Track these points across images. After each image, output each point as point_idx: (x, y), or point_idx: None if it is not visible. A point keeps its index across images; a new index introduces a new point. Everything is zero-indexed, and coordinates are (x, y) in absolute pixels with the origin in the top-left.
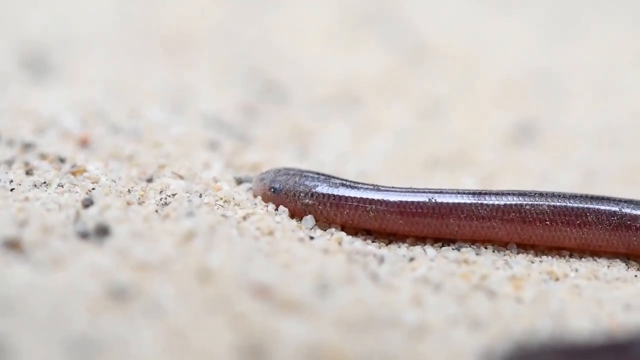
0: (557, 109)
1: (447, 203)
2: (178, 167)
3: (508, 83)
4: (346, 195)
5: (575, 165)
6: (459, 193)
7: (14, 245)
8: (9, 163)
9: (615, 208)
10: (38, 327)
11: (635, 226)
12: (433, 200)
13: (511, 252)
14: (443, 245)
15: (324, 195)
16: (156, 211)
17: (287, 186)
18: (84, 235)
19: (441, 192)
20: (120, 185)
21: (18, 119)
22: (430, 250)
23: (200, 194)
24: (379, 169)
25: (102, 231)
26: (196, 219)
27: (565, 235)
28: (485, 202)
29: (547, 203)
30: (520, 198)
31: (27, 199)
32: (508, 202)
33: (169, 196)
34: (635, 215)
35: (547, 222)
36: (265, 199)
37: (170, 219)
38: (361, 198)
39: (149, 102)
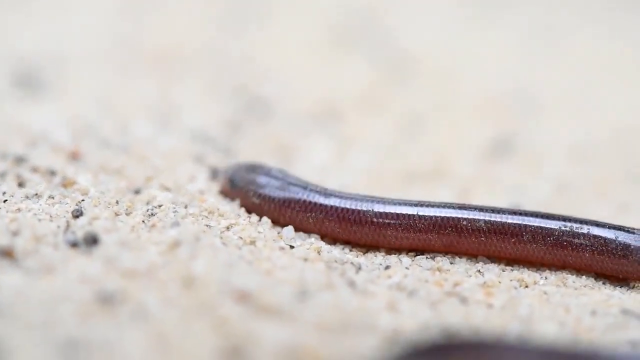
0: (534, 124)
1: (386, 213)
2: (165, 180)
3: (487, 98)
4: (289, 199)
5: (549, 179)
6: (398, 204)
7: (6, 253)
8: (2, 176)
9: (553, 226)
10: (30, 329)
11: (572, 246)
12: (372, 211)
13: (484, 262)
14: (417, 255)
15: (269, 197)
16: (143, 221)
17: (242, 183)
18: (74, 244)
19: (382, 202)
20: (109, 196)
21: (10, 134)
22: (405, 259)
23: (186, 205)
24: (359, 183)
25: (91, 240)
26: (181, 228)
27: (500, 250)
28: (423, 213)
29: (484, 219)
30: (459, 212)
31: (19, 209)
32: (445, 216)
33: (156, 207)
34: (573, 234)
35: (483, 238)
36: (225, 192)
37: (157, 228)
38: (302, 204)
39: (138, 117)
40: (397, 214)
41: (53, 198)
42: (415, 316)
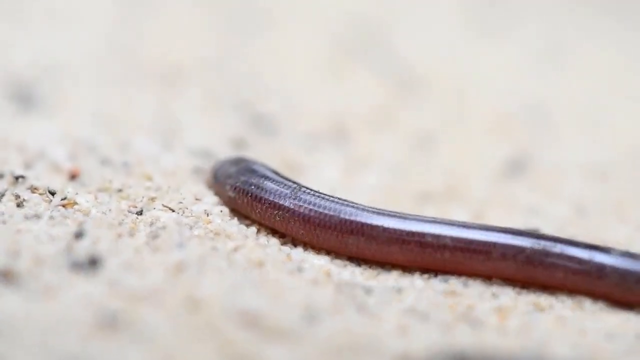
0: (548, 142)
1: (350, 220)
2: (168, 200)
3: (499, 116)
4: (259, 196)
5: (565, 200)
6: (370, 212)
7: (6, 275)
8: (0, 196)
9: (524, 244)
10: (29, 351)
11: (543, 265)
12: (339, 216)
13: (498, 284)
14: (431, 277)
15: (242, 190)
16: (147, 243)
17: (222, 176)
18: (75, 267)
19: (353, 207)
20: (110, 217)
21: (7, 152)
22: (418, 281)
23: (191, 227)
24: (369, 202)
25: (94, 262)
26: (186, 250)
27: (467, 267)
28: (387, 226)
29: (450, 235)
30: (424, 226)
31: (19, 231)
32: (410, 230)
33: (160, 228)
34: (546, 253)
35: (448, 254)
36: (209, 185)
37: (161, 250)
38: (271, 202)
39: (138, 134)
40: (362, 223)
41: (53, 219)
42: (427, 340)
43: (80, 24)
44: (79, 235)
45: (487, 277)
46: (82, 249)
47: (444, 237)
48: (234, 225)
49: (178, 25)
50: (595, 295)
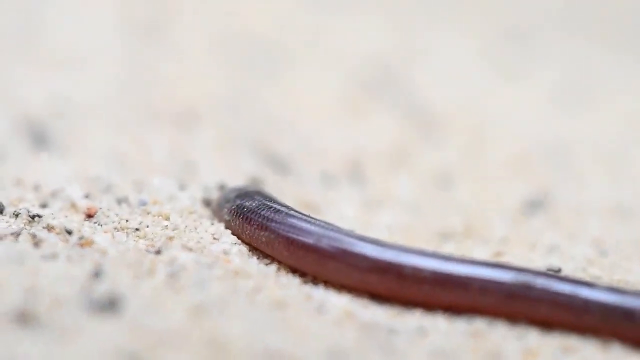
0: (568, 182)
1: (330, 246)
2: (186, 240)
3: (518, 154)
4: (250, 217)
5: (586, 239)
6: (353, 238)
7: (24, 318)
8: (16, 235)
9: (506, 277)
10: None
11: (528, 300)
12: (320, 242)
13: (524, 325)
14: (455, 317)
15: (235, 213)
16: (166, 283)
17: (223, 202)
18: (94, 308)
19: (337, 232)
20: (129, 257)
21: (22, 190)
22: (441, 322)
23: (210, 266)
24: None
25: (113, 303)
26: (207, 291)
27: (447, 301)
28: (366, 254)
29: (429, 269)
30: (404, 257)
31: (36, 271)
32: (389, 260)
33: (179, 268)
34: (529, 287)
35: (427, 287)
36: (215, 213)
37: (181, 291)
38: (259, 224)
39: (154, 174)
40: (343, 250)
41: (71, 259)
42: None
43: (94, 64)
44: (97, 275)
45: (473, 312)
46: (101, 289)
47: (423, 269)
48: (254, 265)
49: (192, 64)
50: (581, 330)
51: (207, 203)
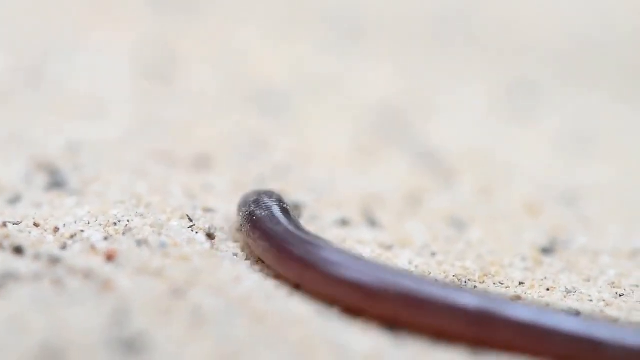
0: (580, 226)
1: (314, 260)
2: (209, 282)
3: (528, 199)
4: (254, 227)
5: (603, 283)
6: (339, 253)
7: None
8: (38, 278)
9: (472, 302)
10: None
11: (491, 326)
12: (307, 256)
13: None
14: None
15: (246, 223)
16: (191, 327)
17: (241, 205)
18: (120, 353)
19: (323, 249)
20: (151, 299)
21: (42, 233)
22: None
23: (235, 310)
24: None
25: (139, 348)
26: (234, 336)
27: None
28: (329, 270)
29: (395, 287)
30: (373, 272)
31: (59, 315)
32: (358, 276)
33: (203, 312)
34: (492, 314)
35: (391, 309)
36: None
37: (208, 336)
38: (260, 233)
39: (172, 216)
40: (319, 258)
41: (93, 302)
42: None
43: (109, 110)
44: (121, 320)
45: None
46: (126, 334)
47: (389, 287)
48: (277, 305)
49: (205, 110)
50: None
51: (211, 237)
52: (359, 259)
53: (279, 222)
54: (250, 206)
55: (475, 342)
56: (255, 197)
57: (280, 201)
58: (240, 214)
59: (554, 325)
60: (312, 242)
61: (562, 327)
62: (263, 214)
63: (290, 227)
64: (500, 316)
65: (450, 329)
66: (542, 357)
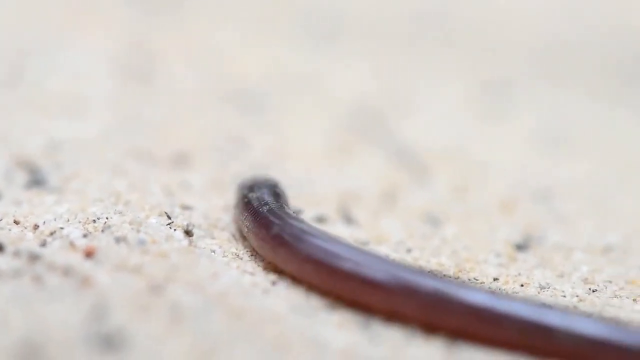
0: (554, 223)
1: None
2: (187, 279)
3: (503, 196)
4: (247, 215)
5: (577, 279)
6: (325, 240)
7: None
8: (18, 274)
9: (434, 286)
10: None
11: (444, 309)
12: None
13: None
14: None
15: (238, 202)
16: (169, 323)
17: (239, 188)
18: (98, 350)
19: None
20: (130, 297)
21: (21, 230)
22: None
23: (213, 306)
24: None
25: (117, 344)
26: (211, 331)
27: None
28: (308, 244)
29: (349, 263)
30: (333, 248)
31: (38, 311)
32: (318, 252)
33: (181, 308)
34: (445, 297)
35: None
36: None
37: (185, 332)
38: (251, 222)
39: (150, 213)
40: (289, 234)
41: (72, 298)
42: None
43: (89, 110)
44: (100, 316)
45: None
46: (104, 330)
47: (344, 262)
48: (254, 302)
49: (183, 109)
50: (497, 344)
51: (190, 234)
52: (324, 236)
53: (266, 204)
54: (245, 190)
55: (427, 324)
56: (250, 183)
57: (273, 186)
58: (236, 198)
59: (505, 310)
60: (289, 221)
61: (513, 312)
62: (254, 196)
63: (275, 208)
64: (453, 299)
65: (402, 310)
66: (494, 342)
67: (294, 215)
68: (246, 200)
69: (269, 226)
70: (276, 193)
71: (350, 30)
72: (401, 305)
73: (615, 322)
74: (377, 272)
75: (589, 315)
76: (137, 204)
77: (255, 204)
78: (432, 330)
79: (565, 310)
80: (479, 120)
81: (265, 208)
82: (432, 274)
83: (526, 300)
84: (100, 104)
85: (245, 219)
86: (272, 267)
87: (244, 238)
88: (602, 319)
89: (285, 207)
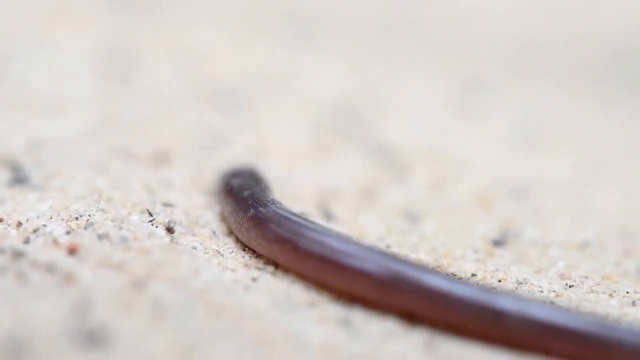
0: (532, 219)
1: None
2: (168, 275)
3: (481, 192)
4: (227, 195)
5: (553, 275)
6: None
7: (11, 354)
8: (1, 271)
9: (373, 266)
10: None
11: (399, 291)
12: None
13: None
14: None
15: (221, 189)
16: (152, 320)
17: (221, 178)
18: (81, 345)
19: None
20: (113, 293)
21: (6, 227)
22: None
23: (195, 302)
24: None
25: (100, 341)
26: (193, 328)
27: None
28: (277, 223)
29: (318, 245)
30: (303, 231)
31: (22, 307)
32: (288, 233)
33: (163, 305)
34: (400, 279)
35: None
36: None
37: (167, 329)
38: (229, 199)
39: (133, 211)
40: (258, 215)
41: (55, 295)
42: None
43: (70, 108)
44: (83, 312)
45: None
46: (87, 326)
47: (314, 244)
48: (235, 298)
49: (164, 108)
50: (452, 328)
51: (171, 231)
52: (294, 219)
53: (248, 188)
54: (226, 177)
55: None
56: (232, 171)
57: (253, 173)
58: (219, 185)
59: (459, 294)
60: (267, 204)
61: (464, 295)
62: (235, 182)
63: (255, 192)
64: (408, 281)
65: (359, 291)
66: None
67: (271, 199)
68: (228, 187)
69: (246, 209)
70: (257, 178)
71: (328, 29)
72: (357, 285)
73: (582, 313)
74: (344, 255)
75: (540, 302)
76: (119, 201)
77: (236, 189)
78: (412, 325)
79: (516, 295)
80: (457, 117)
81: (246, 192)
82: (386, 251)
83: (477, 285)
84: (82, 102)
85: (227, 202)
86: (253, 264)
87: (225, 234)
88: (551, 303)
89: (267, 192)
